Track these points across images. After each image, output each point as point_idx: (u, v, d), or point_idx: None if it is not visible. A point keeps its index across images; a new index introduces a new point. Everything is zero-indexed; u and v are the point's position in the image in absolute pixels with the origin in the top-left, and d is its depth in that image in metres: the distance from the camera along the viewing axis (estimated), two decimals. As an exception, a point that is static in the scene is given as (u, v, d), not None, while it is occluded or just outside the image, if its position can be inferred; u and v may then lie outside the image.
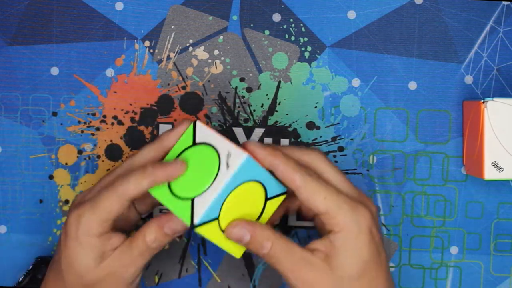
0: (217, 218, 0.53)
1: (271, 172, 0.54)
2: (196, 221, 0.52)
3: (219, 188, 0.52)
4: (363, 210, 0.53)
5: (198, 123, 0.55)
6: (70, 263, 0.55)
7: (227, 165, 0.52)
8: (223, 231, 0.54)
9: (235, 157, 0.52)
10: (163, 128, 0.65)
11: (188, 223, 0.52)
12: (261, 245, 0.53)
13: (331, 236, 0.53)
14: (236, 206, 0.54)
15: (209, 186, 0.52)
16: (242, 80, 0.65)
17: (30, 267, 0.63)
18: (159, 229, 0.54)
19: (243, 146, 0.54)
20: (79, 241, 0.54)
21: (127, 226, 0.59)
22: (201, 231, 0.52)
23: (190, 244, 0.65)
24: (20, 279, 0.63)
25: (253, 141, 0.54)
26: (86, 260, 0.54)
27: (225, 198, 0.53)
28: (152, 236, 0.54)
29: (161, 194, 0.54)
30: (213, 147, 0.53)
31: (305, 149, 0.55)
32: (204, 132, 0.54)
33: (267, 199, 0.56)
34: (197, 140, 0.54)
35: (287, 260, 0.53)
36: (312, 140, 0.65)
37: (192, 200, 0.52)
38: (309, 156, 0.55)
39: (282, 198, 0.56)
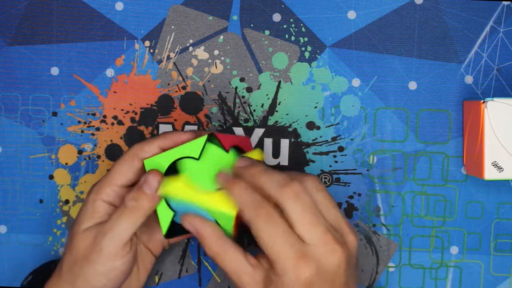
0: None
1: None
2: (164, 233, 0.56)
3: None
4: (303, 268, 0.50)
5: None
6: (77, 221, 0.57)
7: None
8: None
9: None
10: (163, 128, 0.65)
11: (164, 232, 0.56)
12: (207, 247, 0.54)
13: (271, 272, 0.52)
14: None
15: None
16: (242, 80, 0.65)
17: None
18: (137, 190, 0.55)
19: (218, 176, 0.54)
20: (90, 203, 0.56)
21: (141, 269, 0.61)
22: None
23: (190, 244, 0.65)
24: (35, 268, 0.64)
25: (226, 175, 0.54)
26: (87, 219, 0.56)
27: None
28: (129, 195, 0.55)
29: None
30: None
31: (279, 187, 0.52)
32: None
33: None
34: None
35: (227, 267, 0.53)
36: (312, 140, 0.65)
37: (173, 215, 0.56)
38: (280, 196, 0.52)
39: None
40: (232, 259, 0.53)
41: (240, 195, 0.52)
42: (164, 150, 0.56)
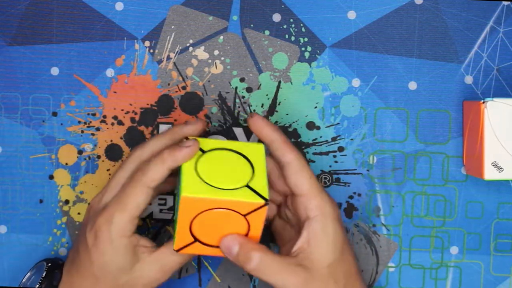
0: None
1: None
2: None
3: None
4: (333, 200, 0.58)
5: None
6: (106, 267, 0.55)
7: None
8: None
9: None
10: (163, 128, 0.65)
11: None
12: (249, 257, 0.54)
13: (309, 223, 0.56)
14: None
15: None
16: (242, 80, 0.65)
17: (44, 274, 0.61)
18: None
19: (249, 116, 0.58)
20: (114, 244, 0.55)
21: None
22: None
23: (190, 244, 0.65)
24: (36, 287, 0.61)
25: (259, 115, 0.58)
26: (122, 262, 0.55)
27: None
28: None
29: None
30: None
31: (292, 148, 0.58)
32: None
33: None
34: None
35: (278, 271, 0.54)
36: (312, 140, 0.65)
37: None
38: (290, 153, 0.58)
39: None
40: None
41: (284, 138, 0.58)
42: (173, 170, 0.55)
